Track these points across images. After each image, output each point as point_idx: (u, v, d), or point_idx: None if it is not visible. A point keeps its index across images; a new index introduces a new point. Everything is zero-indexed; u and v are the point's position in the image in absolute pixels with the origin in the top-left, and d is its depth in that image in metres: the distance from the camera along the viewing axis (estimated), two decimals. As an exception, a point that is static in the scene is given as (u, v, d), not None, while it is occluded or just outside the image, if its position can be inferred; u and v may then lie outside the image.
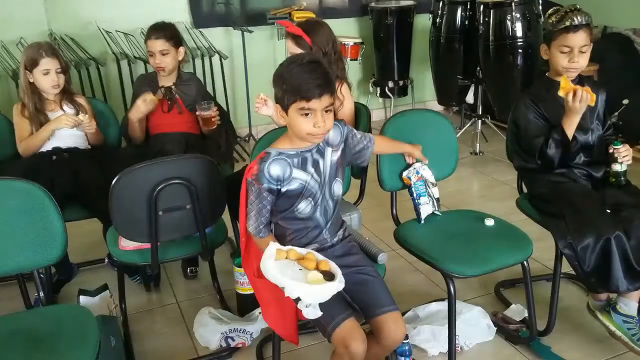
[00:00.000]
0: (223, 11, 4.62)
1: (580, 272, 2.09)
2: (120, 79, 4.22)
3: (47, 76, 2.60)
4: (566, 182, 2.28)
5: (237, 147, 4.38)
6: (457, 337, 2.20)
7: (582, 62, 2.23)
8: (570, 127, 2.20)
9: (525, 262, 2.12)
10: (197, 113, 2.77)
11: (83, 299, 2.48)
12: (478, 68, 4.48)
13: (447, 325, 2.12)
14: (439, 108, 5.24)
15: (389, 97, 5.08)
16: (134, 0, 4.35)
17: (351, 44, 4.70)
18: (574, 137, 2.23)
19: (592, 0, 3.39)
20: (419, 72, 5.26)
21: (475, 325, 2.37)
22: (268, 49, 4.83)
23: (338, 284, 1.63)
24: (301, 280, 1.60)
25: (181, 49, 2.83)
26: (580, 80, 2.30)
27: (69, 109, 2.69)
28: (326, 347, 2.18)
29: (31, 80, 2.62)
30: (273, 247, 1.69)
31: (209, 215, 2.20)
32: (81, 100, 2.77)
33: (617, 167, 2.25)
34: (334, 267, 1.70)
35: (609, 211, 2.14)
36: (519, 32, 4.06)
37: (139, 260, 2.21)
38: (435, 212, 2.32)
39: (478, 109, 4.59)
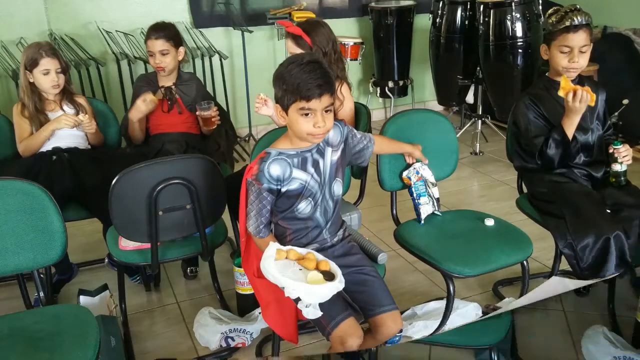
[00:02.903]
0: (223, 11, 4.61)
1: (577, 269, 2.10)
2: (120, 79, 4.22)
3: (47, 76, 2.60)
4: (566, 182, 2.29)
5: (237, 147, 4.38)
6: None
7: (582, 62, 2.23)
8: (570, 127, 2.21)
9: (525, 262, 2.12)
10: (197, 113, 2.78)
11: (83, 299, 2.48)
12: (478, 68, 4.48)
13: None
14: (439, 108, 5.25)
15: (389, 97, 5.08)
16: (134, 1, 4.35)
17: (351, 44, 4.70)
18: (574, 137, 2.24)
19: (592, 0, 3.39)
20: (418, 72, 5.26)
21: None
22: (268, 49, 4.83)
23: (338, 284, 1.63)
24: (301, 280, 1.61)
25: (181, 49, 2.82)
26: (580, 80, 2.30)
27: (69, 109, 2.69)
28: (326, 346, 2.18)
29: (31, 80, 2.62)
30: (273, 247, 1.69)
31: (209, 215, 2.20)
32: (81, 100, 2.76)
33: (617, 167, 2.25)
34: (334, 267, 1.70)
35: (608, 211, 2.15)
36: (519, 32, 4.06)
37: (139, 260, 2.22)
38: (435, 212, 2.32)
39: (478, 109, 4.59)
